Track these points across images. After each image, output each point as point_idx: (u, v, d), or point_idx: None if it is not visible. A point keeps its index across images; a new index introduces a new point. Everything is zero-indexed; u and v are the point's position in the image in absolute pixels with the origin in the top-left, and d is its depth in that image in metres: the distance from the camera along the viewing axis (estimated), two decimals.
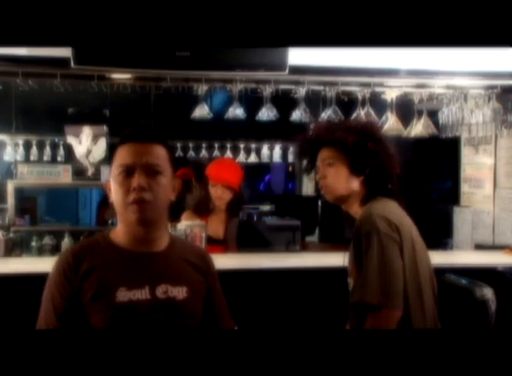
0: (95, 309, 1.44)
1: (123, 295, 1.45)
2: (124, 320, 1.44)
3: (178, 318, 1.51)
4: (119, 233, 1.54)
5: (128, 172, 1.47)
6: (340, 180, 1.97)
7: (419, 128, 3.30)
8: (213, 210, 3.04)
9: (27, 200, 3.96)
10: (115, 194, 1.49)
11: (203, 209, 3.07)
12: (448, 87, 3.22)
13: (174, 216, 3.07)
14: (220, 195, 3.01)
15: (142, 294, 1.47)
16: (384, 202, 1.95)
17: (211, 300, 1.63)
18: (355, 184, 1.97)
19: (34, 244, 3.00)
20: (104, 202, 4.66)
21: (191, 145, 6.27)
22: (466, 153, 3.86)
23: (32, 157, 5.37)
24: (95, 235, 1.60)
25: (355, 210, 1.99)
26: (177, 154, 6.34)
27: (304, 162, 2.17)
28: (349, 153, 1.94)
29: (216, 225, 3.00)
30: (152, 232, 1.53)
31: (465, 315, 2.06)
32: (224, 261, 2.74)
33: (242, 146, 6.26)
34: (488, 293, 2.05)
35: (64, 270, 1.48)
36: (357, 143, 1.93)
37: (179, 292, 1.53)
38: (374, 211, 1.87)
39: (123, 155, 1.50)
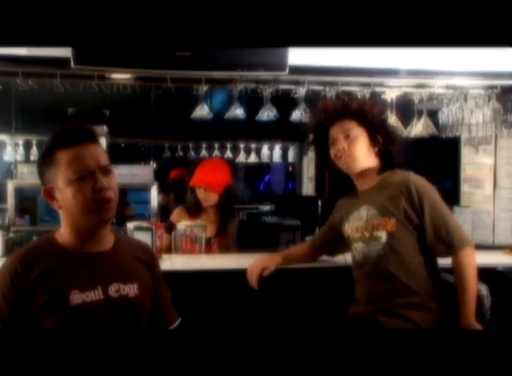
0: (49, 314, 1.42)
1: (76, 298, 1.45)
2: (79, 323, 1.44)
3: (132, 315, 1.53)
4: (65, 235, 1.53)
5: (85, 176, 1.47)
6: (361, 151, 2.14)
7: (419, 128, 3.30)
8: (204, 210, 3.05)
9: (26, 200, 3.96)
10: (73, 198, 1.47)
11: (194, 209, 3.11)
12: (448, 87, 3.22)
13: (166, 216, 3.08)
14: (204, 197, 3.04)
15: (95, 294, 1.48)
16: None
17: (158, 293, 1.66)
18: (372, 155, 2.16)
19: None
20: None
21: (191, 145, 6.28)
22: (466, 153, 3.86)
23: (32, 157, 5.37)
24: (39, 239, 1.60)
25: (369, 181, 2.17)
26: (177, 154, 6.35)
27: (311, 137, 2.34)
28: (369, 125, 2.15)
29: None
30: (103, 231, 1.55)
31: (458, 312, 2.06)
32: (224, 261, 2.75)
33: (242, 146, 6.27)
34: (482, 289, 2.06)
35: (12, 278, 1.44)
36: (376, 117, 2.16)
37: (131, 289, 1.54)
38: (410, 172, 2.14)
39: (74, 160, 1.48)
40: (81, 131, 1.53)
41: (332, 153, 2.17)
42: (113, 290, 1.51)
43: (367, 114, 2.15)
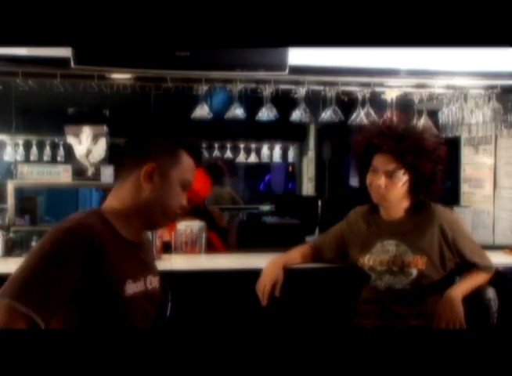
0: (100, 297, 1.37)
1: (130, 288, 1.43)
2: (125, 313, 1.43)
3: (155, 306, 1.58)
4: (121, 219, 1.48)
5: (187, 187, 1.57)
6: (397, 195, 2.14)
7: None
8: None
9: (26, 200, 3.96)
10: (172, 195, 1.52)
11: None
12: (448, 87, 3.22)
13: None
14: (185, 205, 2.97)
15: (140, 286, 1.49)
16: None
17: None
18: (408, 196, 2.17)
19: (34, 243, 2.99)
20: None
21: None
22: (466, 153, 3.86)
23: (32, 157, 5.38)
24: (87, 215, 1.46)
25: (396, 212, 2.20)
26: None
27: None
28: (417, 177, 2.10)
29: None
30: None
31: (468, 313, 2.08)
32: (224, 261, 2.75)
33: (242, 146, 6.27)
34: (490, 292, 2.11)
35: (85, 238, 1.34)
36: (430, 173, 2.10)
37: (156, 282, 1.58)
38: (438, 205, 2.20)
39: (191, 170, 1.58)
40: (200, 152, 1.66)
41: (368, 179, 2.17)
42: (148, 282, 1.54)
43: (419, 169, 2.08)
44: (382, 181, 2.11)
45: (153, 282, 1.55)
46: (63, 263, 1.31)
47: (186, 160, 1.56)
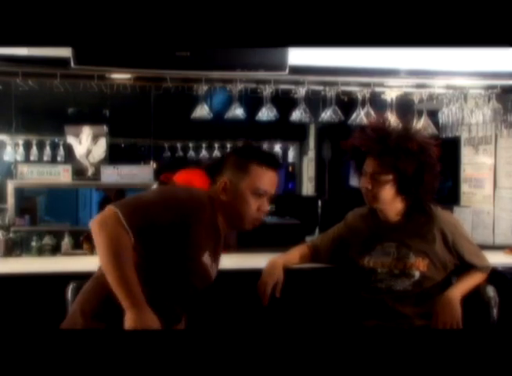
0: (181, 257, 1.73)
1: (205, 258, 1.78)
2: (194, 272, 1.78)
3: (204, 286, 1.88)
4: (218, 213, 1.83)
5: (261, 195, 1.83)
6: (384, 196, 2.15)
7: (419, 128, 3.29)
8: None
9: (26, 200, 3.95)
10: (242, 204, 1.82)
11: None
12: (448, 87, 3.22)
13: None
14: None
15: (210, 261, 1.82)
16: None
17: None
18: (399, 198, 2.16)
19: (34, 244, 3.00)
20: (105, 201, 4.66)
21: (191, 145, 6.27)
22: (466, 153, 3.85)
23: (32, 157, 5.37)
24: (200, 192, 1.86)
25: (394, 215, 2.20)
26: (177, 154, 6.35)
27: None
28: (402, 178, 2.10)
29: None
30: None
31: (468, 312, 2.08)
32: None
33: None
34: (490, 291, 2.12)
35: (192, 208, 1.73)
36: (414, 173, 2.09)
37: (214, 270, 1.89)
38: (438, 208, 2.20)
39: (265, 180, 1.84)
40: (277, 159, 1.96)
41: (360, 183, 2.21)
42: (214, 266, 1.87)
43: (405, 168, 2.08)
44: (369, 183, 2.14)
45: (213, 267, 1.87)
46: (167, 210, 1.69)
47: (256, 171, 1.83)
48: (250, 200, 1.82)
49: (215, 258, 1.88)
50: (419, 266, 2.12)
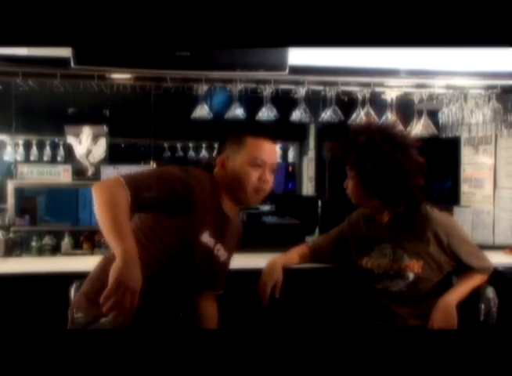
0: (182, 232, 1.77)
1: (204, 237, 1.82)
2: (196, 251, 1.81)
3: (214, 270, 1.92)
4: (221, 194, 1.88)
5: (259, 165, 1.86)
6: (354, 191, 2.20)
7: (419, 128, 3.30)
8: None
9: (26, 200, 3.94)
10: (241, 177, 1.85)
11: None
12: (448, 87, 3.22)
13: None
14: None
15: (211, 243, 1.85)
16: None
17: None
18: (369, 196, 2.18)
19: (34, 244, 3.00)
20: None
21: (191, 145, 6.26)
22: (466, 153, 3.85)
23: (32, 157, 5.36)
24: (200, 171, 1.88)
25: (384, 215, 2.22)
26: (177, 154, 6.34)
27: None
28: (358, 170, 2.15)
29: None
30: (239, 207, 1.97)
31: (467, 313, 2.08)
32: None
33: None
34: (489, 292, 2.11)
35: (185, 180, 1.75)
36: (371, 167, 2.11)
37: (224, 254, 1.93)
38: (434, 210, 2.19)
39: (260, 149, 1.88)
40: (271, 129, 1.98)
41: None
42: (217, 247, 1.89)
43: (359, 162, 2.14)
44: (345, 183, 2.22)
45: (220, 251, 1.90)
46: (167, 183, 1.73)
47: (251, 142, 1.88)
48: (249, 170, 1.85)
49: (222, 241, 1.90)
50: (413, 268, 2.12)
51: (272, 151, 1.92)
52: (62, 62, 2.64)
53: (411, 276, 2.12)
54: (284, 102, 3.21)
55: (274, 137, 1.93)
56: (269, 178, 1.90)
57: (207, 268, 1.89)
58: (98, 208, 1.63)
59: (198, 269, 1.87)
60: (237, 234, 2.05)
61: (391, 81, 3.11)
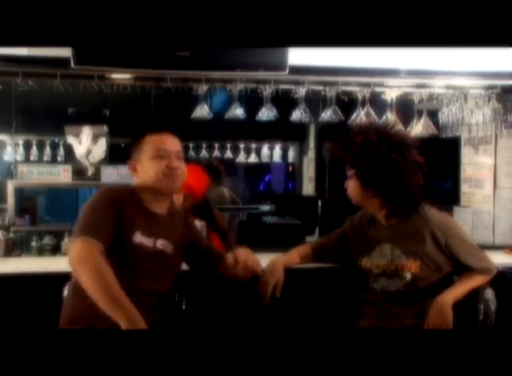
0: (119, 240, 1.89)
1: (137, 237, 1.94)
2: (134, 256, 1.92)
3: (166, 264, 2.03)
4: (142, 193, 2.02)
5: (163, 156, 2.00)
6: (354, 191, 2.22)
7: (419, 128, 3.29)
8: None
9: (27, 200, 3.95)
10: (151, 169, 1.99)
11: None
12: (448, 87, 3.21)
13: None
14: (182, 203, 2.96)
15: (148, 242, 1.97)
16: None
17: (194, 240, 2.21)
18: (370, 196, 2.19)
19: (34, 243, 2.99)
20: None
21: (191, 145, 6.27)
22: (466, 153, 3.85)
23: (32, 157, 5.37)
24: (126, 187, 2.10)
25: (384, 216, 2.22)
26: None
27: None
28: (358, 170, 2.17)
29: None
30: (165, 200, 2.07)
31: (465, 314, 2.08)
32: None
33: (242, 146, 6.26)
34: (488, 293, 2.10)
35: (114, 198, 1.94)
36: (368, 166, 2.13)
37: (168, 247, 2.03)
38: (432, 209, 2.18)
39: (157, 142, 2.03)
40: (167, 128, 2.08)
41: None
42: (159, 243, 2.00)
43: (357, 162, 2.17)
44: (347, 182, 2.24)
45: (164, 245, 2.02)
46: (105, 209, 1.91)
47: (150, 139, 2.04)
48: (153, 164, 2.00)
49: (162, 237, 2.01)
50: (410, 268, 2.12)
51: (171, 141, 2.06)
52: (62, 62, 2.64)
53: (408, 276, 2.12)
54: (284, 102, 3.21)
55: (171, 131, 2.08)
56: (177, 164, 2.02)
57: (159, 262, 2.00)
58: (86, 287, 1.75)
59: (152, 264, 1.97)
60: (181, 224, 2.15)
61: (391, 81, 3.11)
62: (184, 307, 2.18)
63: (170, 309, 2.11)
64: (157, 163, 2.00)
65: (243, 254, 2.24)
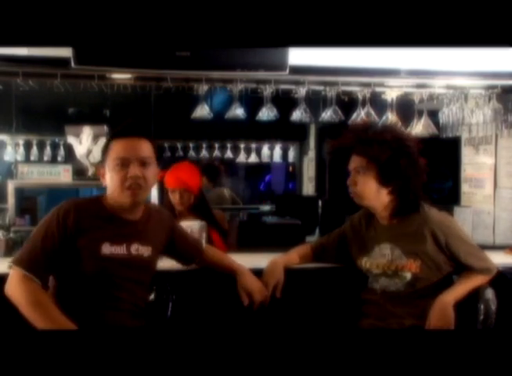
0: (85, 255, 1.85)
1: (107, 249, 1.88)
2: (106, 268, 1.87)
3: (143, 269, 1.97)
4: (109, 202, 1.94)
5: (123, 164, 1.87)
6: (367, 190, 2.15)
7: (419, 128, 3.29)
8: (178, 215, 2.95)
9: (27, 200, 3.95)
10: (112, 181, 1.89)
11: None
12: (448, 87, 3.21)
13: None
14: (179, 200, 2.97)
15: (120, 249, 1.91)
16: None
17: (174, 243, 2.16)
18: (383, 194, 2.15)
19: None
20: None
21: (191, 145, 6.27)
22: (466, 153, 3.85)
23: (32, 157, 5.38)
24: (90, 197, 2.03)
25: (387, 216, 2.19)
26: (177, 154, 6.35)
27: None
28: (380, 166, 2.11)
29: None
30: (134, 208, 1.95)
31: (466, 314, 2.08)
32: None
33: (242, 146, 6.27)
34: (489, 293, 2.10)
35: (64, 218, 1.84)
36: (389, 160, 2.09)
37: (146, 250, 1.97)
38: (432, 209, 2.17)
39: (119, 149, 1.89)
40: (131, 126, 1.95)
41: (348, 180, 2.22)
42: (133, 248, 1.94)
43: (379, 157, 2.11)
44: (351, 179, 2.17)
45: (140, 250, 1.96)
46: (45, 236, 1.83)
47: (112, 146, 1.91)
48: (114, 173, 1.89)
49: (136, 241, 1.95)
50: (411, 268, 2.11)
51: (134, 146, 1.90)
52: (62, 62, 2.64)
53: (408, 275, 2.12)
54: (284, 102, 3.21)
55: (130, 134, 1.92)
56: (137, 173, 1.87)
57: (137, 269, 1.95)
58: (24, 314, 1.76)
59: (130, 270, 1.93)
60: (160, 225, 2.09)
61: (391, 81, 3.11)
62: (170, 309, 2.16)
63: (151, 311, 2.09)
64: (116, 173, 1.88)
65: (250, 288, 2.18)
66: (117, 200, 1.91)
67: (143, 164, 1.90)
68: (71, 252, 1.85)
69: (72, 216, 1.85)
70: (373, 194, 2.16)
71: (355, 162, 2.17)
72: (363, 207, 2.29)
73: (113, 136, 1.96)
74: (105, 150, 1.95)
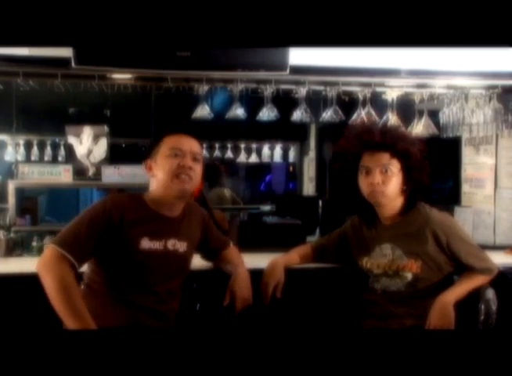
0: (124, 249, 1.94)
1: (145, 244, 1.97)
2: (144, 262, 1.96)
3: (179, 264, 2.08)
4: (151, 197, 2.05)
5: (177, 154, 1.99)
6: (394, 189, 2.15)
7: (419, 128, 3.29)
8: None
9: (27, 200, 3.95)
10: (163, 169, 1.99)
11: None
12: (448, 87, 3.21)
13: None
14: None
15: (158, 245, 2.00)
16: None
17: (207, 239, 2.25)
18: (401, 194, 2.18)
19: (34, 243, 2.99)
20: None
21: None
22: (466, 153, 3.85)
23: (33, 157, 5.37)
24: (133, 194, 2.11)
25: (392, 216, 2.21)
26: None
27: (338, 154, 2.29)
28: (408, 166, 2.14)
29: None
30: (177, 203, 2.06)
31: (466, 314, 2.08)
32: None
33: (243, 146, 6.26)
34: (489, 293, 2.10)
35: (110, 210, 1.94)
36: (417, 158, 2.14)
37: (182, 246, 2.07)
38: (433, 209, 2.18)
39: (175, 142, 2.02)
40: (184, 125, 2.13)
41: (364, 182, 2.17)
42: (170, 244, 2.03)
43: (409, 154, 2.13)
44: (378, 178, 2.13)
45: (176, 245, 2.05)
46: (90, 223, 1.90)
47: (168, 139, 2.03)
48: (168, 161, 1.99)
49: (174, 237, 2.04)
50: (411, 268, 2.12)
51: (189, 141, 2.03)
52: (62, 62, 2.64)
53: (409, 276, 2.12)
54: (285, 102, 3.21)
55: (186, 130, 2.07)
56: (190, 165, 2.00)
57: (173, 263, 2.05)
58: (48, 294, 1.78)
59: (164, 268, 2.02)
60: (197, 223, 2.19)
61: (391, 81, 3.11)
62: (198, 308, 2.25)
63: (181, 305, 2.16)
64: (170, 161, 2.00)
65: (236, 293, 2.17)
66: (163, 193, 2.01)
67: (195, 159, 2.02)
68: (111, 244, 1.93)
69: (118, 210, 1.95)
70: (396, 194, 2.16)
71: (380, 159, 2.14)
72: (364, 207, 2.28)
73: (167, 132, 2.06)
74: (155, 144, 2.05)
